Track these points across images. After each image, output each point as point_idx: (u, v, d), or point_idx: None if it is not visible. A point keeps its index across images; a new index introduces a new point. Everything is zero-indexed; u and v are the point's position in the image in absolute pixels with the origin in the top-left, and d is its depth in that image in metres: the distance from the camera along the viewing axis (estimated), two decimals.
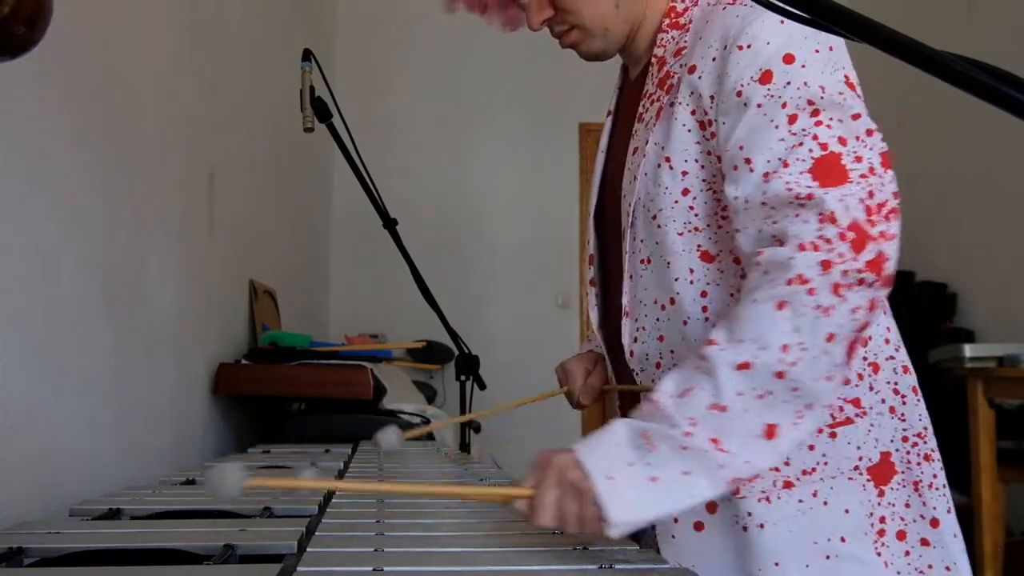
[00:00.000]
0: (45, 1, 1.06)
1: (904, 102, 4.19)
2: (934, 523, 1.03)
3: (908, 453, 1.04)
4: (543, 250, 4.72)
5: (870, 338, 1.04)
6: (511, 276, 4.72)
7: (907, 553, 1.01)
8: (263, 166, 3.10)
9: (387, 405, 2.51)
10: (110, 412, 1.72)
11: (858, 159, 0.90)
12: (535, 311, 4.68)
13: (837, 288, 0.85)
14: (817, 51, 0.95)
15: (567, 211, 4.78)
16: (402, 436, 1.31)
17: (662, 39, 1.09)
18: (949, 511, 1.04)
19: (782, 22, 0.95)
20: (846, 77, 0.95)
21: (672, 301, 1.05)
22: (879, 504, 1.01)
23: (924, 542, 1.02)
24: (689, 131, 1.02)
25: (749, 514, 1.00)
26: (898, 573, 1.01)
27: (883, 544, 1.01)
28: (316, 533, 0.96)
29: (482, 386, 2.47)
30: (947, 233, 4.10)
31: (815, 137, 0.91)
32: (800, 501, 1.00)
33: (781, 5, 0.56)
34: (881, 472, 1.02)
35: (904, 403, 1.06)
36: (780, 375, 0.85)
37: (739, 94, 0.95)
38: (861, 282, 0.86)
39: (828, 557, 0.99)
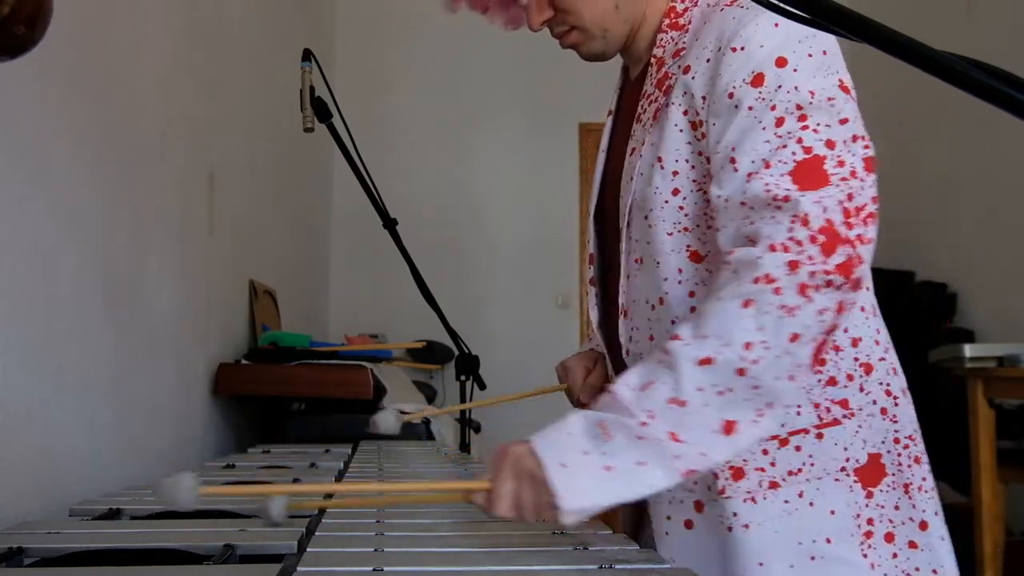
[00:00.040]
0: (45, 1, 1.06)
1: (904, 102, 4.19)
2: (923, 526, 1.03)
3: (899, 455, 1.04)
4: (543, 250, 4.72)
5: (860, 339, 1.04)
6: (511, 276, 4.72)
7: (895, 556, 1.01)
8: (263, 166, 3.10)
9: (387, 405, 2.51)
10: (110, 412, 1.72)
11: (840, 163, 0.91)
12: (535, 311, 4.68)
13: (804, 289, 0.86)
14: (811, 55, 0.95)
15: (567, 211, 4.78)
16: (400, 419, 1.30)
17: (661, 39, 1.09)
18: (937, 513, 1.04)
19: (777, 25, 0.96)
20: (840, 81, 0.96)
21: (661, 301, 1.05)
22: (867, 506, 1.01)
23: (912, 545, 1.02)
24: (681, 131, 1.02)
25: (735, 514, 1.00)
26: (885, 575, 1.01)
27: (870, 546, 1.00)
28: (316, 533, 0.97)
29: (482, 386, 2.47)
30: (947, 233, 4.10)
31: (799, 140, 0.92)
32: (786, 502, 1.00)
33: (781, 5, 0.56)
34: (870, 473, 1.02)
35: (896, 404, 1.05)
36: (741, 372, 0.86)
37: (731, 96, 0.96)
38: (829, 284, 0.87)
39: (813, 558, 0.99)
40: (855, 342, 1.03)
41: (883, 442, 1.04)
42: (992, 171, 3.78)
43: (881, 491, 1.02)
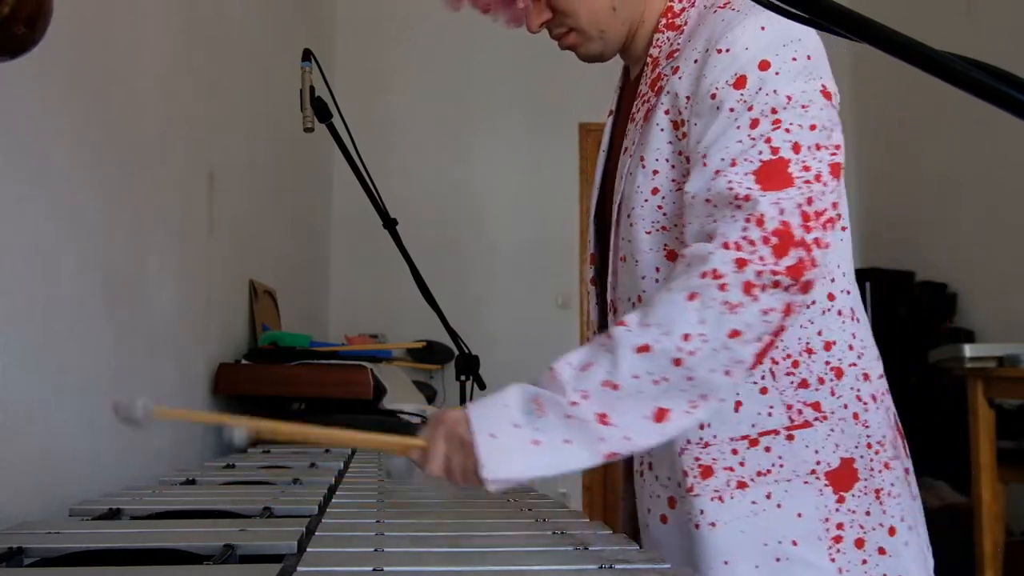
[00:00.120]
0: (45, 1, 1.06)
1: (904, 102, 4.19)
2: (891, 532, 1.02)
3: (871, 460, 1.04)
4: (543, 250, 4.72)
5: (834, 343, 1.04)
6: (511, 276, 4.72)
7: (864, 562, 1.01)
8: (263, 166, 3.10)
9: (387, 405, 2.51)
10: (110, 412, 1.72)
11: (806, 168, 0.92)
12: (535, 311, 4.68)
13: (749, 287, 0.87)
14: (795, 59, 0.96)
15: (567, 211, 4.78)
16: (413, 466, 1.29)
17: (657, 39, 1.10)
18: (903, 519, 1.04)
19: (763, 28, 0.96)
20: (823, 86, 0.97)
21: (639, 299, 1.06)
22: (837, 510, 1.01)
23: (881, 551, 1.02)
24: (662, 131, 1.03)
25: (702, 512, 1.01)
26: None
27: (839, 551, 1.00)
28: (316, 533, 0.97)
29: (482, 386, 2.46)
30: (947, 233, 4.10)
31: (768, 140, 0.93)
32: (753, 502, 1.00)
33: (781, 5, 0.56)
34: (841, 478, 1.02)
35: (867, 410, 1.05)
36: (677, 362, 0.88)
37: (713, 96, 0.97)
38: (776, 284, 0.88)
39: (778, 559, 0.99)
40: (828, 346, 1.03)
41: (856, 447, 1.03)
42: (992, 171, 3.78)
43: (853, 496, 1.02)
